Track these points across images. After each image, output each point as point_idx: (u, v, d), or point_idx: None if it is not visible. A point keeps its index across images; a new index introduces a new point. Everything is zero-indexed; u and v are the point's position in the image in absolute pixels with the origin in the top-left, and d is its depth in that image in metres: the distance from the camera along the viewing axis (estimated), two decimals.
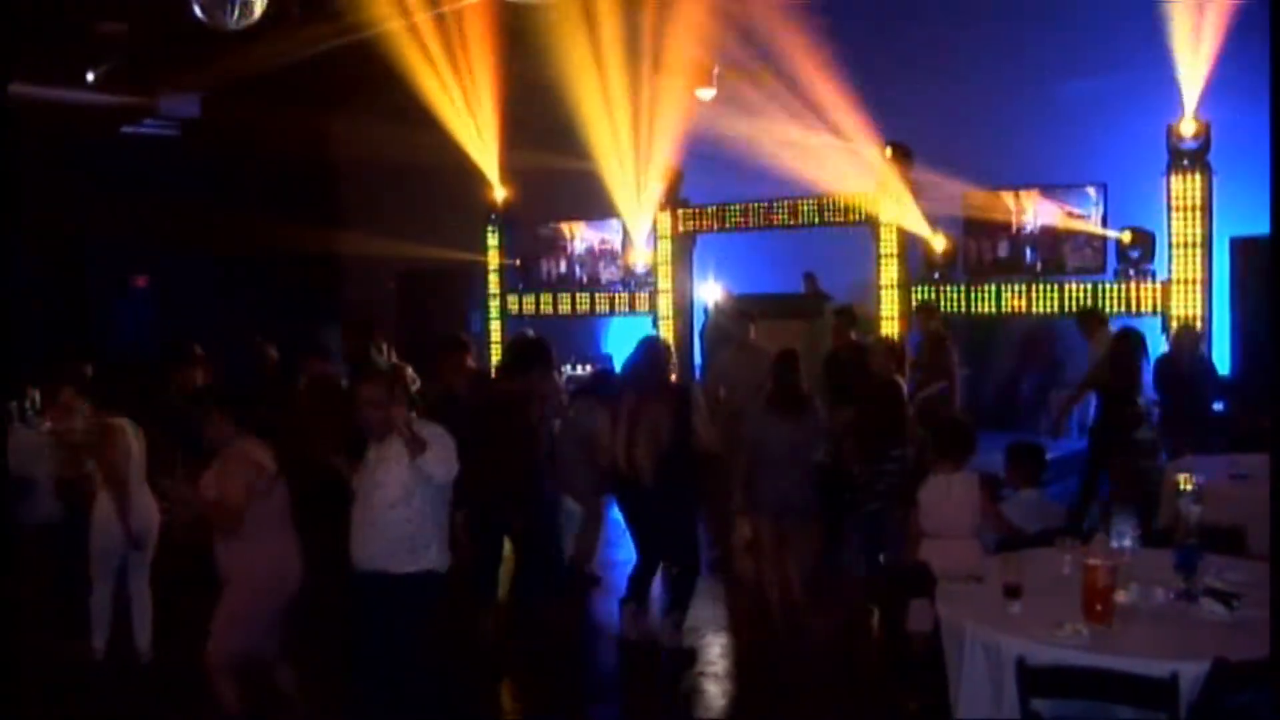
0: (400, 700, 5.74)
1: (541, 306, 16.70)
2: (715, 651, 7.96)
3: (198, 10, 7.73)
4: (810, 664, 7.34)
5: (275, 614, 6.02)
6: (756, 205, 14.20)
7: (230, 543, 5.88)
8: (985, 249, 12.74)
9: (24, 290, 16.96)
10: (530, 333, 12.06)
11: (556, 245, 16.85)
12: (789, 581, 8.08)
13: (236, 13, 7.64)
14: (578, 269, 16.61)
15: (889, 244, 12.94)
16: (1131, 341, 9.87)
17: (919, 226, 12.86)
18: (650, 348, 7.97)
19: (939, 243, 12.86)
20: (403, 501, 5.64)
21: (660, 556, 7.87)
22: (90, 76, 14.18)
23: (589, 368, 14.42)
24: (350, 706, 6.10)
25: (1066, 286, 11.93)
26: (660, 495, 7.53)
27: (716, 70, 14.28)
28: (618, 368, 15.03)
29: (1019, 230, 12.48)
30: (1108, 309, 11.51)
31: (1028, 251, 12.43)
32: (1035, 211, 12.36)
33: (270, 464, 5.93)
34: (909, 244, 12.94)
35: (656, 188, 15.10)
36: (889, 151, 12.80)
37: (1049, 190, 12.34)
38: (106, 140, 16.42)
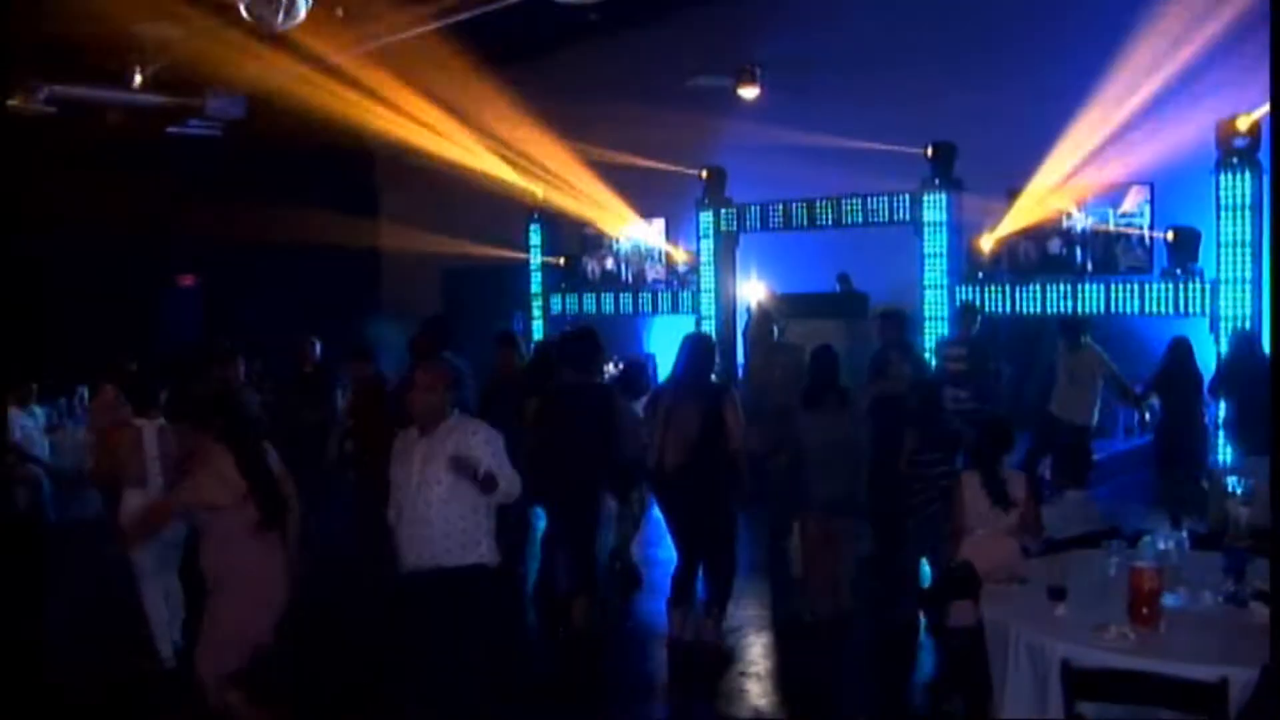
0: (459, 699, 5.65)
1: (584, 305, 16.71)
2: (757, 651, 7.96)
3: (245, 11, 7.78)
4: (854, 664, 7.30)
5: (267, 628, 5.92)
6: (799, 204, 14.14)
7: (218, 547, 5.83)
8: (1030, 249, 12.62)
9: (72, 290, 17.16)
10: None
11: (600, 244, 16.85)
12: (834, 581, 8.07)
13: (283, 14, 7.69)
14: (622, 268, 16.60)
15: (933, 244, 12.86)
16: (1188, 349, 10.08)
17: (962, 226, 12.80)
18: (693, 345, 8.04)
19: (983, 242, 12.78)
20: (456, 497, 5.56)
21: (697, 553, 7.89)
22: (137, 78, 14.30)
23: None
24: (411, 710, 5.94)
25: (1113, 286, 11.81)
26: (693, 491, 7.58)
27: (760, 69, 14.27)
28: (660, 366, 15.10)
29: (1064, 230, 12.36)
30: (1154, 309, 11.41)
31: (1074, 251, 12.29)
32: (1081, 211, 12.24)
33: (239, 481, 5.77)
34: (953, 244, 12.86)
35: (700, 186, 15.08)
36: (932, 150, 12.73)
37: (1095, 189, 12.22)
38: (152, 140, 16.57)
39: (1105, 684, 4.35)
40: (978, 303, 12.25)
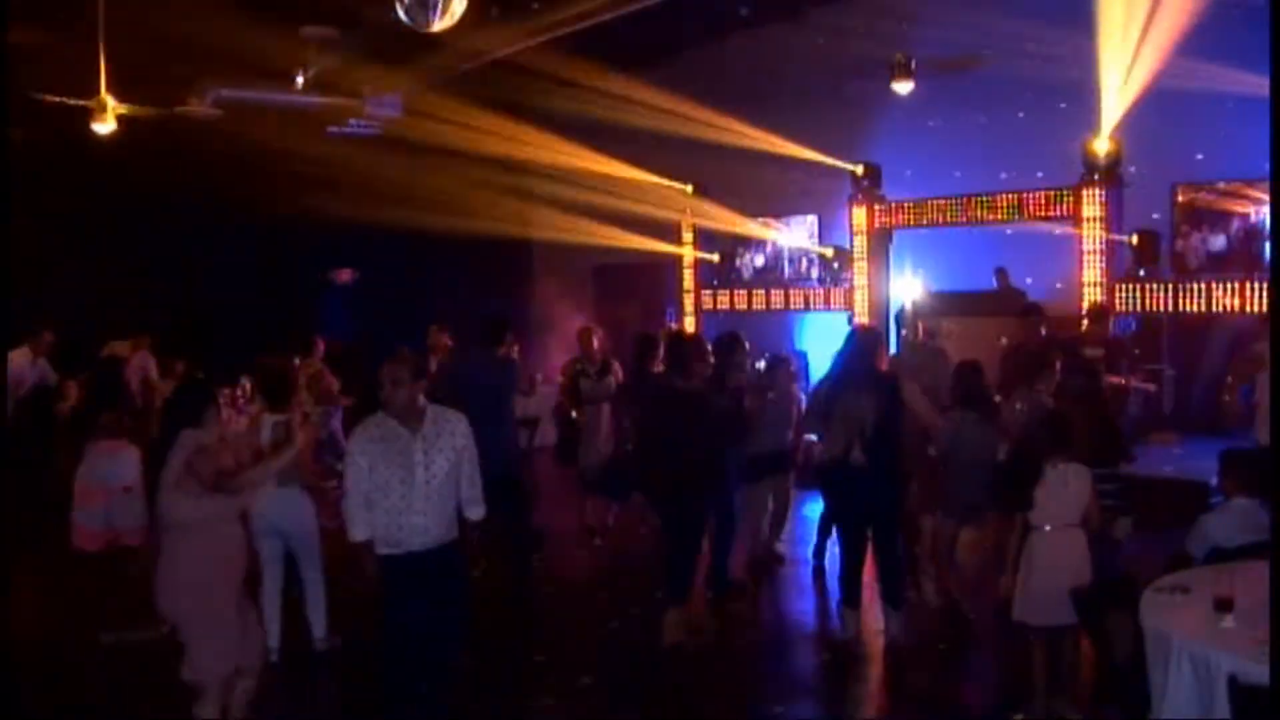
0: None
1: (736, 302, 16.67)
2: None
3: (401, 13, 7.91)
4: (1010, 671, 7.15)
5: None
6: (954, 200, 13.92)
7: None
8: (1196, 245, 12.23)
9: (237, 284, 17.68)
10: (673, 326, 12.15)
11: (755, 240, 16.81)
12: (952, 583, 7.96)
13: (438, 14, 7.80)
14: (785, 264, 16.52)
15: (1091, 240, 12.54)
16: None
17: (1123, 222, 12.47)
18: (860, 337, 8.07)
19: (1145, 239, 12.42)
20: (451, 479, 5.94)
21: (864, 549, 7.83)
22: (299, 80, 14.69)
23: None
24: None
25: None
26: (867, 483, 7.50)
27: (914, 63, 14.06)
28: (810, 363, 15.02)
29: (1233, 225, 11.94)
30: None
31: (1254, 246, 11.83)
32: (1253, 205, 11.80)
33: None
34: (1113, 240, 12.52)
35: (853, 182, 14.94)
36: (1092, 144, 12.41)
37: (1264, 183, 11.76)
38: (313, 140, 16.97)
39: (1276, 700, 4.19)
40: (1137, 301, 11.91)
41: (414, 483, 5.81)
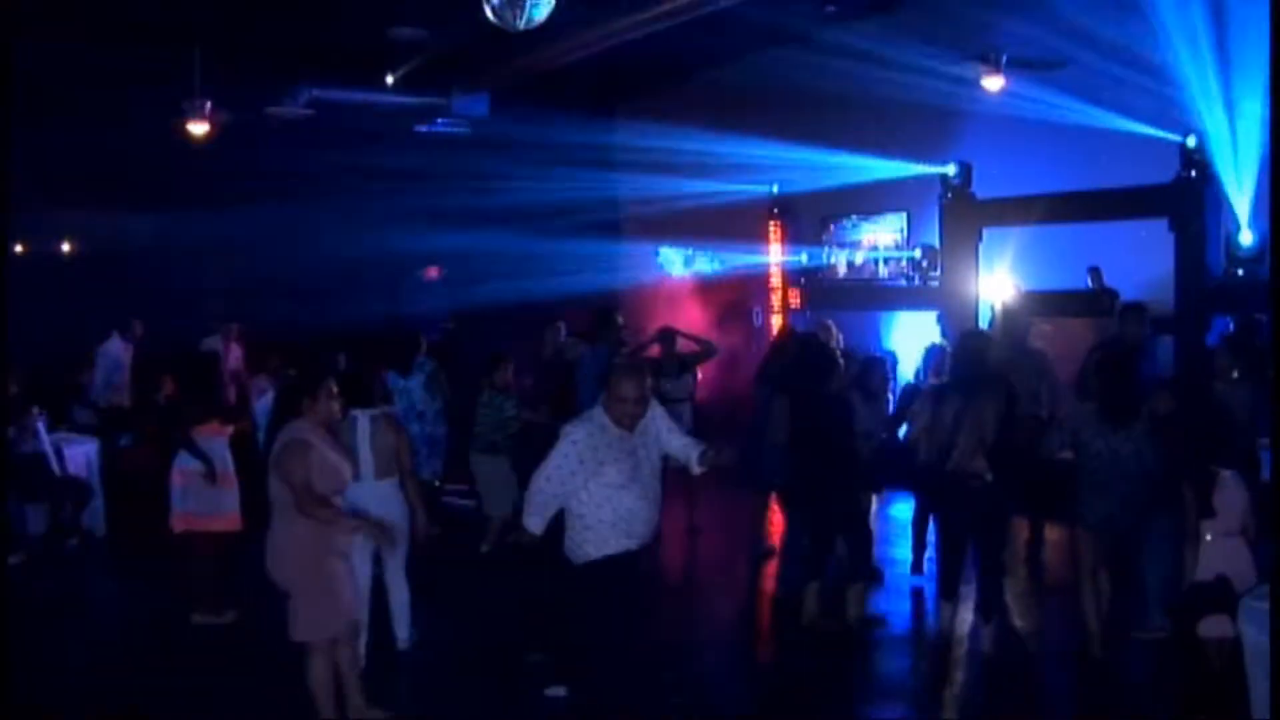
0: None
1: (823, 300, 16.55)
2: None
3: (489, 12, 7.96)
4: (1110, 679, 7.04)
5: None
6: (1045, 198, 13.69)
7: None
8: None
9: (328, 281, 17.94)
10: (832, 325, 12.12)
11: (841, 239, 16.70)
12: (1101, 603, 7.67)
13: (525, 14, 7.84)
14: (875, 264, 16.40)
15: (1187, 239, 12.28)
16: None
17: (1221, 220, 12.20)
18: (973, 341, 7.95)
19: (1244, 236, 12.15)
20: (659, 468, 6.16)
21: (974, 551, 7.74)
22: (389, 79, 14.87)
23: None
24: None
25: None
26: (984, 491, 7.37)
27: (1005, 58, 13.87)
28: (898, 364, 14.91)
29: None
30: None
31: None
32: None
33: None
34: (1211, 239, 12.25)
35: (942, 181, 14.78)
36: (1192, 140, 12.16)
37: None
38: (402, 138, 17.16)
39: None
40: (1234, 302, 11.66)
41: (640, 477, 5.94)
